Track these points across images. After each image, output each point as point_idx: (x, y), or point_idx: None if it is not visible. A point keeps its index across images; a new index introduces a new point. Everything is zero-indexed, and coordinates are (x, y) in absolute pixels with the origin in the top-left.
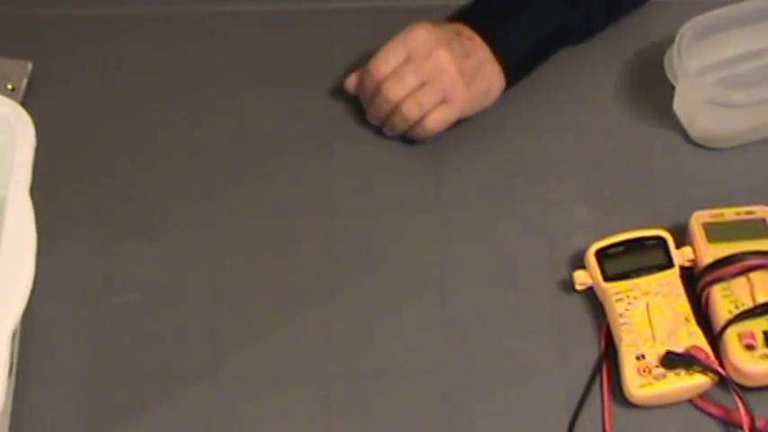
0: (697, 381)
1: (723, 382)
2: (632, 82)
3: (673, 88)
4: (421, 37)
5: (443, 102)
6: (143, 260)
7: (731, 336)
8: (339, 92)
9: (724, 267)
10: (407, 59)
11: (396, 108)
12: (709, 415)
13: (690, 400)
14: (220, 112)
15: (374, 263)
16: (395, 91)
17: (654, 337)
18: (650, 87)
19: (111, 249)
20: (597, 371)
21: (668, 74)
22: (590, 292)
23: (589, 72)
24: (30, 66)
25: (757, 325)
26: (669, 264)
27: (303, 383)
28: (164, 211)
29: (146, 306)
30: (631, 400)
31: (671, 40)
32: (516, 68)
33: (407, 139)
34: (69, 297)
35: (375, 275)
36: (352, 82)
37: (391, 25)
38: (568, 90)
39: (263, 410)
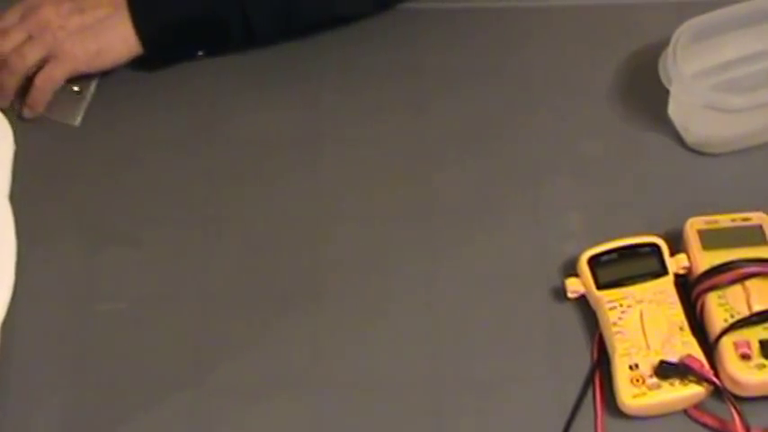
0: (692, 391)
1: (718, 393)
2: (626, 86)
3: (667, 92)
4: None
5: (50, 58)
6: (127, 267)
7: (726, 345)
8: (326, 94)
9: (719, 275)
10: (21, 17)
11: (3, 64)
12: (704, 426)
13: (684, 411)
14: (204, 117)
15: (361, 270)
16: (1, 45)
17: (648, 347)
18: (644, 91)
19: (95, 256)
20: (590, 381)
21: (663, 78)
22: (582, 301)
23: (582, 75)
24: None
25: (753, 334)
26: (663, 271)
27: (290, 393)
28: (148, 218)
29: (130, 314)
30: (625, 410)
31: (666, 43)
32: (152, 41)
33: (388, 142)
34: (52, 305)
35: (362, 283)
36: None
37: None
38: (563, 94)
39: (248, 421)
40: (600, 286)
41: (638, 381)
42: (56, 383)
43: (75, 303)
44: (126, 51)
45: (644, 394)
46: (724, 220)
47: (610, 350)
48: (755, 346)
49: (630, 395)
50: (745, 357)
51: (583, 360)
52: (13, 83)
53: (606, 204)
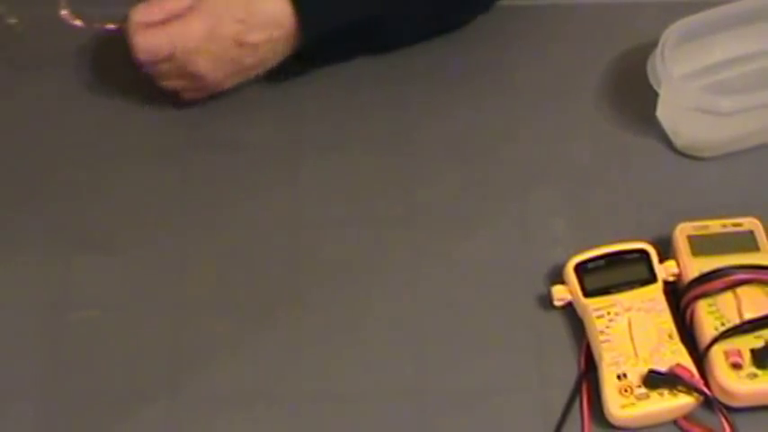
0: (681, 401)
1: (708, 403)
2: (614, 88)
3: (656, 94)
4: None
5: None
6: (101, 274)
7: (717, 354)
8: (309, 102)
9: (710, 282)
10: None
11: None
12: None
13: (674, 422)
14: (181, 124)
15: (343, 278)
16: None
17: (636, 356)
18: (632, 94)
19: (69, 263)
20: (577, 390)
21: (651, 79)
22: (569, 309)
23: (569, 78)
24: None
25: (744, 342)
26: (652, 278)
27: (268, 403)
28: (123, 224)
29: (104, 322)
30: (612, 421)
31: (654, 45)
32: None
33: (371, 147)
34: (24, 312)
35: (344, 292)
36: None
37: None
38: (548, 97)
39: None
40: (587, 294)
41: (626, 391)
42: (27, 392)
43: (48, 310)
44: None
45: (632, 404)
46: (714, 226)
47: (597, 359)
48: (747, 355)
49: (618, 405)
50: (737, 366)
51: (570, 369)
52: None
53: (593, 210)
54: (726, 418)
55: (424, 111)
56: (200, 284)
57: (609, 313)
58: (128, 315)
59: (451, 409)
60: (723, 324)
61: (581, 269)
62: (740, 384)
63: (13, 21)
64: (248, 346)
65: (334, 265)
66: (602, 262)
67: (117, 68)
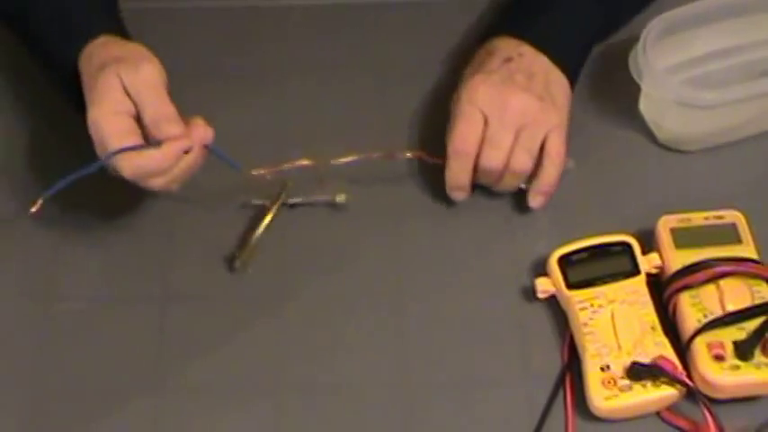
0: (664, 393)
1: (691, 395)
2: (596, 81)
3: (638, 88)
4: (484, 94)
5: (549, 132)
6: (86, 267)
7: (700, 346)
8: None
9: (692, 274)
10: (486, 123)
11: (505, 169)
12: (677, 428)
13: (657, 413)
14: None
15: (328, 270)
16: (496, 159)
17: (619, 348)
18: (615, 87)
19: (56, 254)
20: (560, 383)
21: (633, 73)
22: (553, 301)
23: None
24: None
25: (727, 334)
26: (635, 271)
27: (255, 397)
28: (110, 216)
29: (89, 314)
30: (596, 413)
31: (636, 38)
32: (572, 61)
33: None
34: (9, 304)
35: (329, 284)
36: (460, 190)
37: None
38: None
39: (212, 425)
40: (570, 286)
41: (609, 382)
42: (13, 384)
43: (33, 303)
44: (568, 85)
45: (615, 396)
46: (697, 219)
47: (580, 351)
48: (729, 347)
49: (602, 397)
50: (719, 358)
51: (553, 361)
52: (517, 183)
53: (577, 202)
54: (708, 410)
55: (407, 100)
56: (187, 277)
57: (592, 305)
58: (114, 308)
59: (436, 401)
60: (706, 316)
61: (564, 261)
62: (723, 376)
63: None
64: (235, 340)
65: (318, 256)
66: (585, 254)
67: None
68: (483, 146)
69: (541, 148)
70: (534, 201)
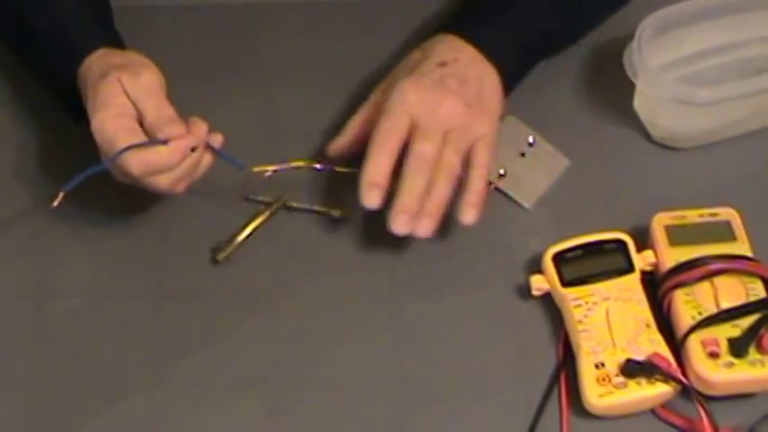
0: (659, 390)
1: (686, 392)
2: (590, 79)
3: (633, 85)
4: (415, 96)
5: (477, 141)
6: (80, 263)
7: (694, 343)
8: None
9: (687, 272)
10: (414, 124)
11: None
12: (672, 426)
13: (652, 410)
14: None
15: (323, 268)
16: (427, 148)
17: (614, 345)
18: (609, 85)
19: (50, 252)
20: (555, 380)
21: (628, 70)
22: (547, 298)
23: (545, 70)
24: None
25: (721, 332)
26: (629, 268)
27: (249, 394)
28: (105, 213)
29: (85, 312)
30: (591, 410)
31: (630, 36)
32: (514, 78)
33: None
34: (4, 302)
35: (324, 282)
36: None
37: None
38: (524, 88)
39: (207, 422)
40: (565, 283)
41: (604, 380)
42: (9, 382)
43: (27, 301)
44: (501, 91)
45: (610, 393)
46: (691, 216)
47: (575, 348)
48: (724, 345)
49: (596, 394)
50: (714, 356)
51: (548, 359)
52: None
53: (571, 200)
54: (703, 407)
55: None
56: (181, 274)
57: (587, 303)
58: (108, 305)
59: (431, 398)
60: (700, 313)
61: (559, 259)
62: (717, 373)
63: None
64: (229, 337)
65: (312, 254)
66: (579, 252)
67: None
68: (412, 140)
69: (468, 161)
70: (466, 215)
